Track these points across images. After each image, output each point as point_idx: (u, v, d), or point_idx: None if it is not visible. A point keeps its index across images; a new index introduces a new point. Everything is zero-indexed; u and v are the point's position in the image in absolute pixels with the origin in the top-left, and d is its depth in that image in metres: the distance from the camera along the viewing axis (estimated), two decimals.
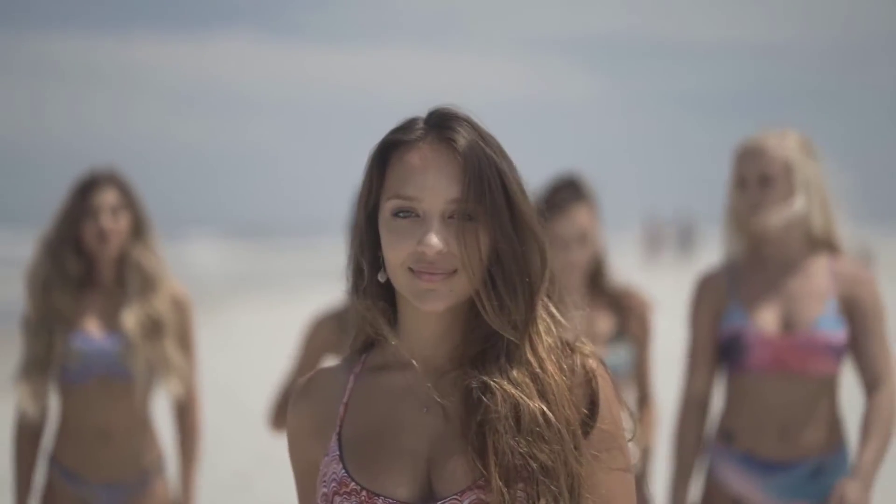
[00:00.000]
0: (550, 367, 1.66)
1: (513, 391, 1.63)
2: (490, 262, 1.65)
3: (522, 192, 1.68)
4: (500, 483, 1.59)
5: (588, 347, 1.71)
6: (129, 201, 3.86)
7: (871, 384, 3.30)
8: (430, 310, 1.66)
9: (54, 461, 3.77)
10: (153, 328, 3.76)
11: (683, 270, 29.90)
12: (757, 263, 3.42)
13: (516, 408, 1.62)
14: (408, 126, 1.71)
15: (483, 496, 1.61)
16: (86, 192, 3.83)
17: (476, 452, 1.62)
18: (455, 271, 1.64)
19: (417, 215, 1.66)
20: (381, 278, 1.70)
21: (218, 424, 3.87)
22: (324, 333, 3.68)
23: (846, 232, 3.43)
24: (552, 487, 1.61)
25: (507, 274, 1.65)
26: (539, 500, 1.60)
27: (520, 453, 1.60)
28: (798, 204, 3.35)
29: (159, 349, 3.75)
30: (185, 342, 3.83)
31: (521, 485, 1.60)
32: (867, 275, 3.41)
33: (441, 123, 1.69)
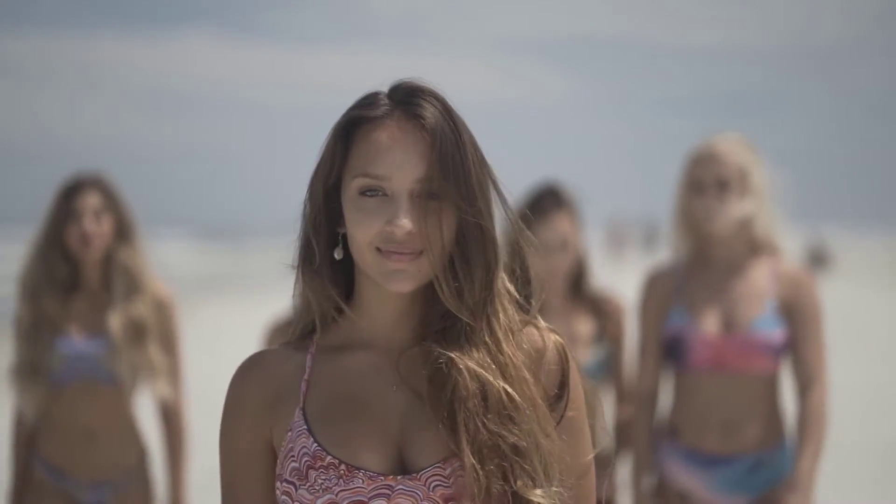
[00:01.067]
0: (508, 349, 1.64)
1: (477, 370, 1.61)
2: (452, 243, 1.62)
3: (485, 170, 1.65)
4: (473, 460, 1.58)
5: (545, 324, 1.70)
6: (113, 204, 3.85)
7: (804, 385, 3.39)
8: (396, 290, 1.62)
9: (39, 458, 3.79)
10: (137, 331, 3.76)
11: (646, 269, 30.06)
12: (701, 265, 3.52)
13: (483, 387, 1.61)
14: (372, 101, 1.66)
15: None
16: (69, 195, 3.83)
17: (448, 428, 1.60)
18: (422, 251, 1.61)
19: (385, 194, 1.62)
20: (337, 255, 1.67)
21: (191, 423, 3.92)
22: (281, 340, 3.70)
23: (786, 233, 3.52)
24: (526, 467, 1.60)
25: (469, 254, 1.62)
26: (516, 481, 1.59)
27: (491, 432, 1.59)
28: (748, 207, 3.44)
29: (143, 352, 3.76)
30: (170, 343, 3.83)
31: (496, 460, 1.59)
32: (807, 277, 3.49)
33: (408, 99, 1.64)
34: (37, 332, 3.75)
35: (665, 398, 3.58)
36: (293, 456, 1.64)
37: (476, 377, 1.61)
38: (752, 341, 3.39)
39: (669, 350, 3.48)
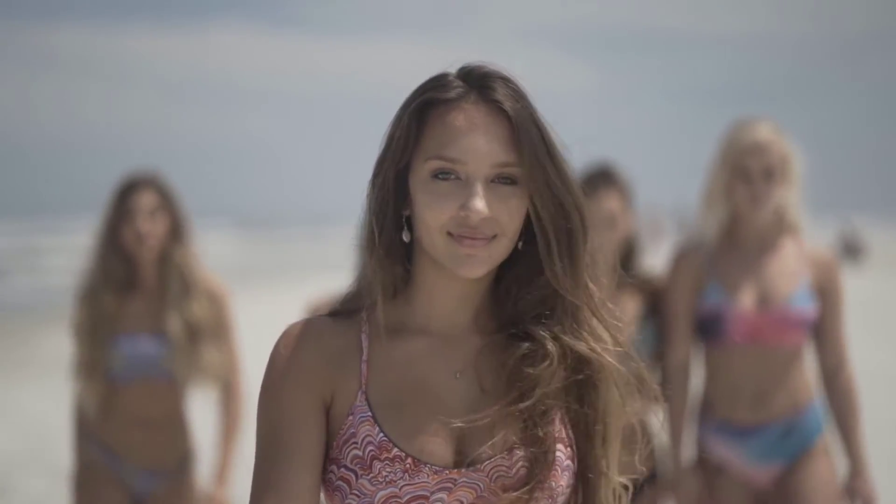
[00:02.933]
0: (607, 325, 1.64)
1: (555, 349, 1.59)
2: (521, 228, 1.60)
3: (560, 152, 1.62)
4: (545, 445, 1.56)
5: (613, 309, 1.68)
6: (168, 203, 3.89)
7: (834, 365, 3.56)
8: (467, 275, 1.59)
9: (96, 439, 3.86)
10: (192, 332, 3.82)
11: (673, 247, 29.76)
12: (731, 243, 3.60)
13: (563, 357, 1.59)
14: (444, 84, 1.62)
15: (522, 453, 1.57)
16: (125, 195, 3.87)
17: (521, 415, 1.57)
18: (495, 236, 1.58)
19: (459, 178, 1.58)
20: (405, 238, 1.63)
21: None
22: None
23: (818, 223, 3.64)
24: (607, 443, 1.60)
25: (559, 236, 1.60)
26: (599, 454, 1.60)
27: (572, 409, 1.59)
28: (788, 194, 3.56)
29: (199, 351, 3.82)
30: (224, 333, 3.89)
31: (563, 446, 1.58)
32: (834, 260, 3.62)
33: (483, 83, 1.61)
34: (95, 331, 3.80)
35: (696, 373, 3.66)
36: (356, 443, 1.58)
37: (556, 354, 1.59)
38: (788, 316, 3.49)
39: (705, 326, 3.56)
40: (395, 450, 1.57)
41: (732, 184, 3.56)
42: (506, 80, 1.62)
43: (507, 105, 1.60)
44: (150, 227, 3.84)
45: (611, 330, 1.64)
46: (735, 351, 3.51)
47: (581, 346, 1.61)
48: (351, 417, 1.59)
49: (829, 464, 3.52)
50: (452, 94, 1.61)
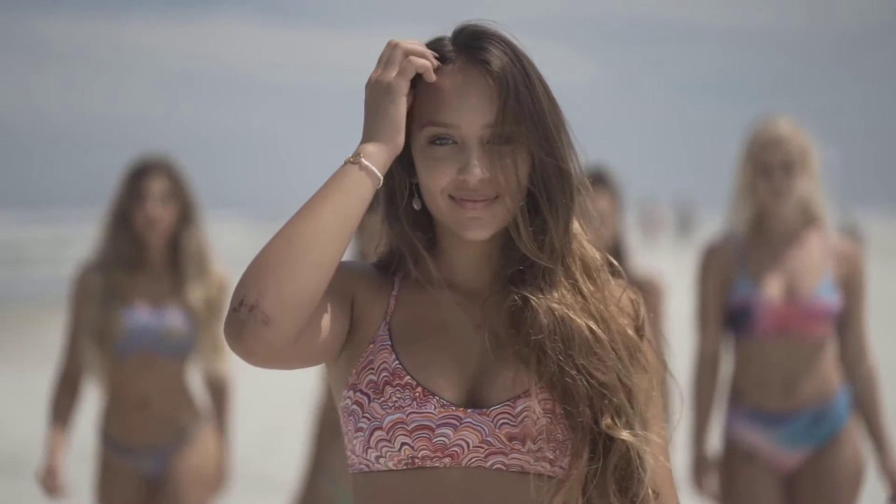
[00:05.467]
0: (587, 286, 1.60)
1: (556, 307, 1.57)
2: (526, 186, 1.57)
3: (557, 110, 1.59)
4: (545, 395, 1.54)
5: (622, 282, 1.64)
6: (178, 189, 3.90)
7: (857, 355, 3.64)
8: (473, 237, 1.58)
9: (104, 435, 3.90)
10: (210, 309, 3.85)
11: (681, 254, 29.88)
12: (758, 237, 3.67)
13: (563, 323, 1.57)
14: (435, 47, 1.60)
15: (534, 404, 1.55)
16: (136, 178, 3.88)
17: (526, 367, 1.55)
18: (497, 197, 1.56)
19: (454, 142, 1.56)
20: (416, 205, 1.62)
21: (239, 395, 4.09)
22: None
23: (830, 208, 3.71)
24: (613, 402, 1.55)
25: (548, 196, 1.57)
26: (601, 419, 1.55)
27: (578, 368, 1.55)
28: (808, 187, 3.64)
29: (198, 333, 3.85)
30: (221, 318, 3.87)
31: (579, 400, 1.54)
32: (857, 252, 3.69)
33: (471, 43, 1.58)
34: (107, 300, 3.81)
35: (726, 363, 3.72)
36: (372, 369, 1.59)
37: (554, 315, 1.57)
38: (814, 307, 3.56)
39: (734, 317, 3.62)
40: (408, 377, 1.57)
41: (755, 179, 3.64)
42: (496, 38, 1.58)
43: (494, 65, 1.55)
44: (160, 211, 3.84)
45: (585, 294, 1.60)
46: (764, 341, 3.58)
47: (551, 304, 1.57)
48: (371, 345, 1.60)
49: (856, 449, 3.61)
50: (442, 57, 1.58)
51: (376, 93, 1.56)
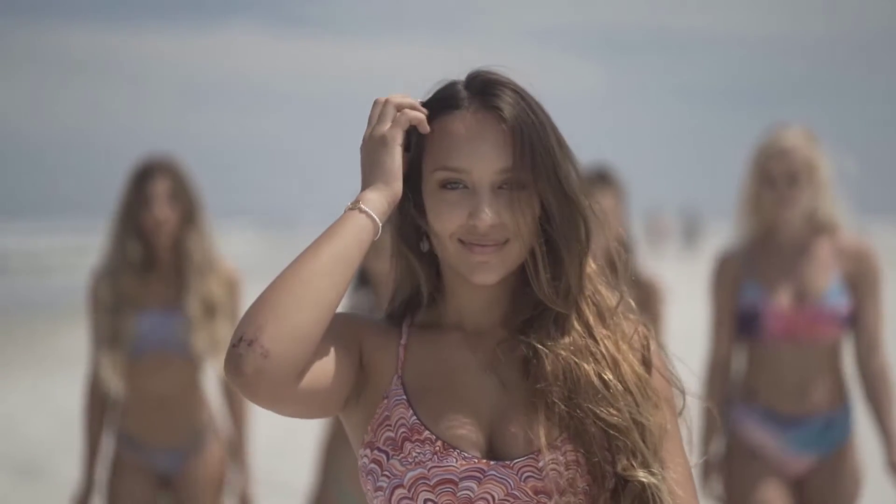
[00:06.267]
0: (599, 331, 1.60)
1: (563, 353, 1.57)
2: (540, 232, 1.57)
3: (569, 156, 1.59)
4: (547, 451, 1.53)
5: (634, 317, 1.65)
6: (183, 189, 3.89)
7: (867, 349, 3.61)
8: (481, 282, 1.57)
9: (120, 433, 3.90)
10: (209, 309, 3.84)
11: (688, 262, 29.76)
12: (767, 245, 3.69)
13: (569, 369, 1.56)
14: (448, 93, 1.60)
15: (560, 456, 1.54)
16: (141, 180, 3.88)
17: (536, 414, 1.55)
18: (506, 241, 1.56)
19: (466, 186, 1.57)
20: (422, 248, 1.62)
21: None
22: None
23: (845, 210, 3.68)
24: (625, 445, 1.54)
25: (562, 241, 1.57)
26: (617, 462, 1.54)
27: (584, 412, 1.54)
28: (814, 199, 3.63)
29: (213, 329, 3.84)
30: (236, 316, 3.88)
31: (592, 444, 1.53)
32: (868, 248, 3.66)
33: (484, 90, 1.59)
34: (116, 309, 3.82)
35: (738, 364, 3.73)
36: (389, 425, 1.58)
37: (560, 362, 1.57)
38: (822, 312, 3.57)
39: (744, 323, 3.64)
40: (427, 432, 1.56)
41: (760, 189, 3.66)
42: (509, 86, 1.59)
43: (507, 112, 1.57)
44: (167, 213, 3.85)
45: (597, 338, 1.60)
46: (774, 347, 3.59)
47: (558, 350, 1.57)
48: (386, 400, 1.59)
49: (857, 462, 3.63)
50: (454, 102, 1.59)
51: (371, 147, 1.59)
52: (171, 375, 3.85)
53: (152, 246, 3.89)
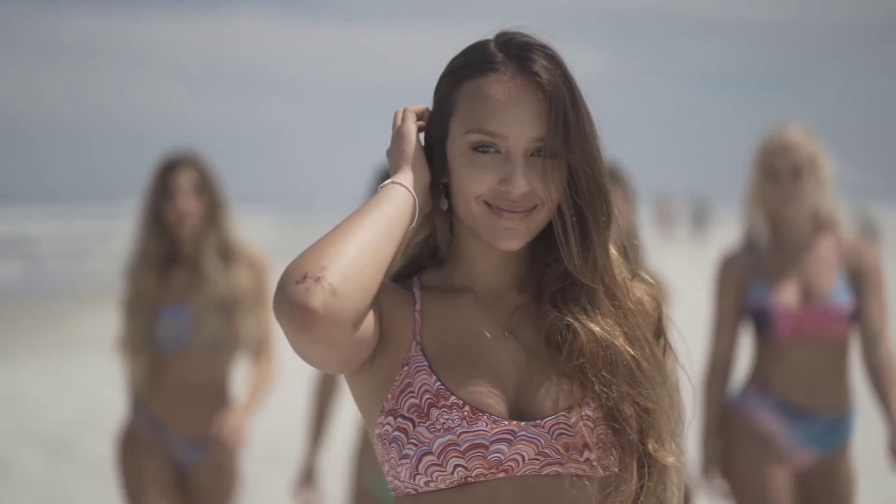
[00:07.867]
0: (630, 309, 1.59)
1: (598, 331, 1.55)
2: (570, 202, 1.55)
3: (593, 125, 1.57)
4: (577, 408, 1.52)
5: (648, 279, 1.64)
6: (207, 183, 3.90)
7: (870, 341, 3.59)
8: (505, 248, 1.55)
9: (143, 407, 3.89)
10: (231, 302, 3.85)
11: (697, 248, 29.60)
12: (774, 245, 3.70)
13: (606, 349, 1.55)
14: (484, 54, 1.57)
15: (589, 412, 1.53)
16: (165, 173, 3.88)
17: (576, 384, 1.54)
18: (534, 208, 1.54)
19: (499, 151, 1.54)
20: (443, 206, 1.59)
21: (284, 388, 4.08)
22: None
23: (844, 208, 3.72)
24: (656, 428, 1.55)
25: (590, 212, 1.55)
26: (647, 442, 1.55)
27: (621, 394, 1.54)
28: (817, 194, 3.66)
29: (234, 324, 3.84)
30: (263, 300, 3.88)
31: (624, 421, 1.54)
32: (868, 245, 3.70)
33: (522, 54, 1.55)
34: (140, 306, 3.84)
35: (748, 357, 3.74)
36: (412, 392, 1.54)
37: (597, 339, 1.55)
38: (828, 310, 3.59)
39: (754, 321, 3.66)
40: (453, 398, 1.52)
41: (764, 184, 3.68)
42: (544, 50, 1.56)
43: (545, 77, 1.54)
44: (191, 205, 3.85)
45: (625, 312, 1.59)
46: (784, 345, 3.60)
47: (594, 328, 1.56)
48: (406, 367, 1.55)
49: (852, 468, 3.66)
50: (490, 66, 1.55)
51: (393, 144, 1.60)
52: (198, 370, 3.84)
53: (177, 240, 3.89)
